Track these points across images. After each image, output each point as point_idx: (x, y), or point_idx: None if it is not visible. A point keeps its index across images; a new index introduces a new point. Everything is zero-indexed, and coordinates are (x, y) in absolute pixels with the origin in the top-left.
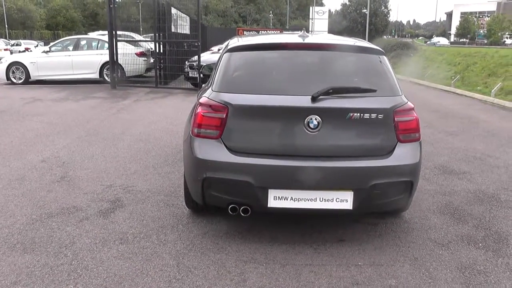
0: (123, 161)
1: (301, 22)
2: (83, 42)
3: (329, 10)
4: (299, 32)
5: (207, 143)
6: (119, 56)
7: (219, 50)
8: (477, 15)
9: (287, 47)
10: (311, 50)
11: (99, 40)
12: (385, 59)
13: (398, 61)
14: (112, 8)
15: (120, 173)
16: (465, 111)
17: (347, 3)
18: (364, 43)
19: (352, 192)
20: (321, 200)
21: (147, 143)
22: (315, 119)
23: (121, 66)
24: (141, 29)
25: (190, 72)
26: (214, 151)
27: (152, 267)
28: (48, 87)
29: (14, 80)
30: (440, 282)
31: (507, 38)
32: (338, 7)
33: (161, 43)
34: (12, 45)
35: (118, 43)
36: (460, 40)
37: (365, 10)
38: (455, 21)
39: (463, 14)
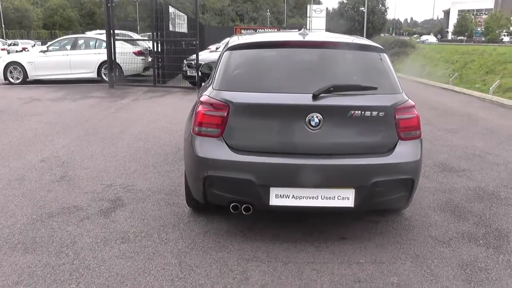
0: (122, 160)
1: (299, 21)
2: (80, 42)
3: (327, 8)
4: (297, 30)
5: (209, 142)
6: (117, 55)
7: (217, 48)
8: (475, 13)
9: (287, 45)
10: (312, 48)
11: (96, 39)
12: (385, 56)
13: (395, 59)
14: (110, 7)
15: (120, 172)
16: (464, 109)
17: (345, 1)
18: (365, 41)
19: (354, 190)
20: (322, 198)
21: (147, 142)
22: (316, 117)
23: (119, 65)
24: (138, 28)
25: (188, 71)
26: (216, 150)
27: (154, 266)
28: (46, 87)
29: (12, 80)
30: (442, 279)
31: (504, 35)
32: (336, 5)
33: (159, 42)
34: (9, 44)
35: (116, 42)
36: (458, 38)
37: (363, 8)
38: (453, 19)
39: (461, 12)
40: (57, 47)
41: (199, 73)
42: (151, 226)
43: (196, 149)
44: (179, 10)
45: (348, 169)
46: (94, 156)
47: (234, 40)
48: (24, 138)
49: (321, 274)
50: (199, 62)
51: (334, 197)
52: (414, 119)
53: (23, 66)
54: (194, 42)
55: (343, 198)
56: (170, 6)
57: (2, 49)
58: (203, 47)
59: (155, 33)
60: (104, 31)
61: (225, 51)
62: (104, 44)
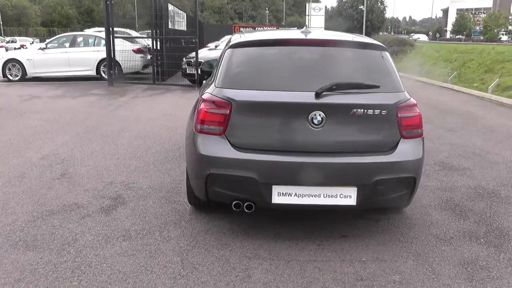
0: (123, 158)
1: (297, 19)
2: (79, 39)
3: (325, 7)
4: (295, 28)
5: (211, 139)
6: (116, 53)
7: (216, 46)
8: (473, 12)
9: (290, 43)
10: (314, 46)
11: (95, 36)
12: (387, 55)
13: (394, 57)
14: (108, 5)
15: (121, 170)
16: (463, 108)
17: None
18: (367, 39)
19: (356, 188)
20: (325, 196)
21: (147, 140)
22: (319, 115)
23: (118, 63)
24: (136, 26)
25: (187, 69)
26: (218, 147)
27: (156, 263)
28: (45, 84)
29: (11, 77)
30: (443, 278)
31: (503, 34)
32: (334, 4)
33: (158, 39)
34: (8, 42)
35: (115, 40)
36: (456, 37)
37: (362, 7)
38: (451, 18)
39: (459, 11)
40: (56, 45)
41: (199, 71)
42: (153, 224)
43: (198, 147)
44: (178, 8)
45: (351, 167)
46: (94, 153)
47: (237, 38)
48: (24, 135)
49: (323, 272)
50: (200, 60)
51: (337, 195)
52: (416, 117)
53: (22, 63)
54: (193, 40)
55: (345, 196)
56: (169, 4)
57: (0, 46)
58: (202, 45)
59: (154, 31)
60: (102, 29)
61: (227, 49)
62: (103, 41)
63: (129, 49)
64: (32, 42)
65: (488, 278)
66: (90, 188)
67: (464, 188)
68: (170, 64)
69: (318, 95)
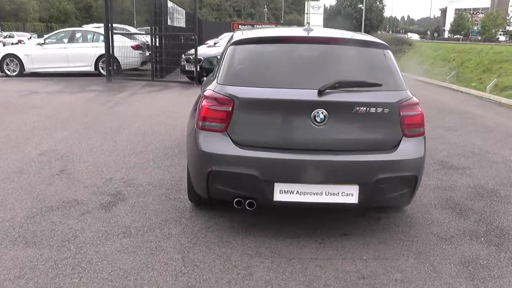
0: (122, 154)
1: (296, 17)
2: (78, 35)
3: (324, 5)
4: (295, 26)
5: (212, 136)
6: (114, 49)
7: (215, 43)
8: (471, 12)
9: (292, 41)
10: (317, 44)
11: (94, 32)
12: (389, 53)
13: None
14: (108, 1)
15: (120, 166)
16: (462, 107)
17: None
18: (369, 37)
19: (358, 186)
20: (327, 194)
21: (146, 137)
22: (322, 112)
23: (117, 59)
24: (135, 22)
25: (186, 66)
26: (220, 144)
27: (157, 261)
28: (43, 80)
29: (8, 73)
30: (444, 276)
31: (500, 35)
32: (333, 2)
33: (157, 36)
34: (5, 37)
35: (114, 36)
36: (454, 37)
37: (361, 5)
38: (449, 18)
39: (457, 11)
40: (54, 40)
41: (198, 68)
42: (153, 220)
43: (200, 144)
44: (177, 5)
45: (353, 165)
46: (93, 150)
47: (239, 35)
48: (22, 131)
49: (325, 270)
50: (200, 57)
51: (338, 193)
52: (418, 116)
53: (20, 59)
54: (193, 37)
55: (347, 194)
56: (168, 1)
57: None
58: (201, 42)
59: (153, 28)
60: (101, 25)
61: (229, 45)
62: (102, 37)
63: (127, 46)
64: (30, 38)
65: (489, 277)
66: (89, 184)
67: (464, 187)
68: (169, 60)
69: (320, 92)
